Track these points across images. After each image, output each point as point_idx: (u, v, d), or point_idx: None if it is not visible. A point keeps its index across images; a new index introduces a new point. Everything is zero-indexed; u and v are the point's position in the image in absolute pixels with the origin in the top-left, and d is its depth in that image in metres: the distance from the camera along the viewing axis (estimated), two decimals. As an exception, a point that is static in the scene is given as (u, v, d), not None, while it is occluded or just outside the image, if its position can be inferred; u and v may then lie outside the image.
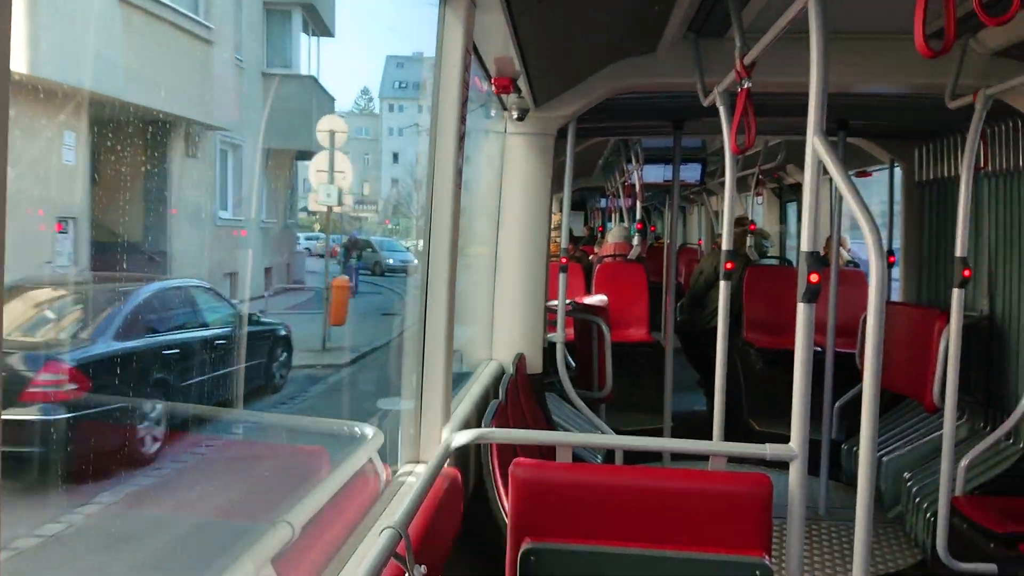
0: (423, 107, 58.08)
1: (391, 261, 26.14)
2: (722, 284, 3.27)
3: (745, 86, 2.57)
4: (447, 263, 2.26)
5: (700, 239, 12.25)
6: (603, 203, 12.81)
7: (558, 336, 4.01)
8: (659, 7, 2.92)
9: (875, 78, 3.37)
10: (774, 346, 5.07)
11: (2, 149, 0.57)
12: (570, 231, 12.42)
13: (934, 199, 4.76)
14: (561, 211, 5.09)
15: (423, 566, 1.58)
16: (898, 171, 5.18)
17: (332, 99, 18.04)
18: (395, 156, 55.73)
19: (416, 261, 23.46)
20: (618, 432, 4.21)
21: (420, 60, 58.04)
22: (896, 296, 5.20)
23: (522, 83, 3.20)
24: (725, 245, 3.38)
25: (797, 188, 7.61)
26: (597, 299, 5.25)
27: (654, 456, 4.18)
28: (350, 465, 1.97)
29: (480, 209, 4.05)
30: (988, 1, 1.60)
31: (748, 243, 6.43)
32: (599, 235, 10.40)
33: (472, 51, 2.41)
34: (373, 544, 1.50)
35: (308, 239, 31.79)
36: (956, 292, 3.33)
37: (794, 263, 6.94)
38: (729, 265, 3.30)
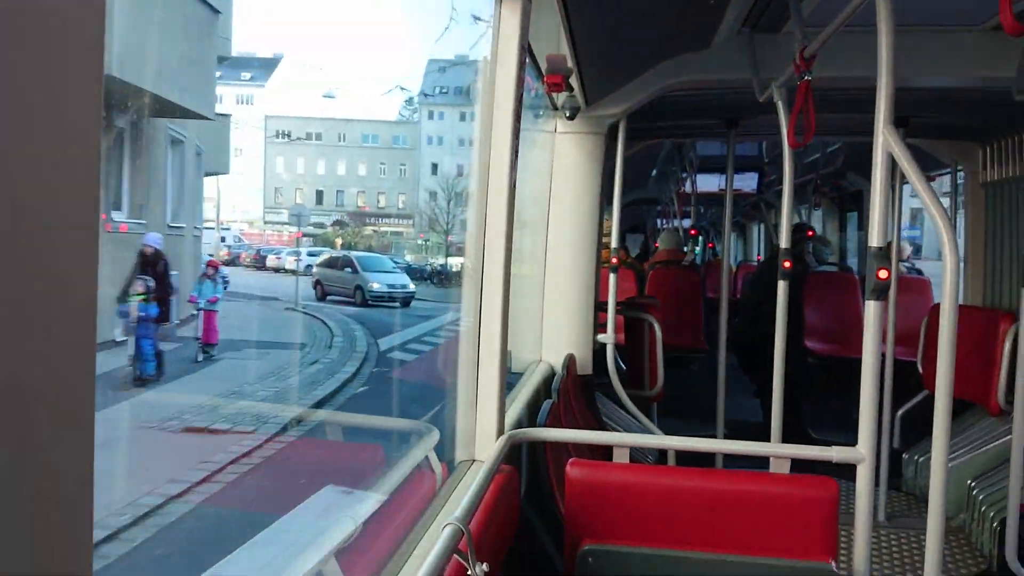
0: (466, 114, 58.58)
1: (376, 287, 21.58)
2: (780, 284, 3.33)
3: (806, 79, 2.64)
4: (502, 266, 2.34)
5: (759, 255, 12.26)
6: (660, 223, 12.94)
7: (608, 337, 4.12)
8: (714, 1, 3.00)
9: (938, 71, 3.40)
10: (834, 353, 5.10)
11: (95, 146, 0.63)
12: (627, 250, 12.64)
13: (998, 201, 4.77)
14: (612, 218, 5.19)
15: (484, 563, 1.61)
16: (961, 173, 5.18)
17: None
18: (434, 167, 56.06)
19: (412, 287, 22.12)
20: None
21: (465, 63, 58.73)
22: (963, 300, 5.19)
23: (574, 81, 3.28)
24: (784, 244, 3.45)
25: (857, 196, 7.61)
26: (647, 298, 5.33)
27: (706, 461, 4.24)
28: (408, 462, 2.06)
29: (527, 223, 4.17)
30: None
31: (807, 249, 6.44)
32: (654, 250, 10.50)
33: (527, 49, 2.50)
34: (434, 540, 1.55)
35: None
36: (1023, 292, 3.34)
37: (854, 270, 6.94)
38: (787, 264, 3.36)
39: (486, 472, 1.97)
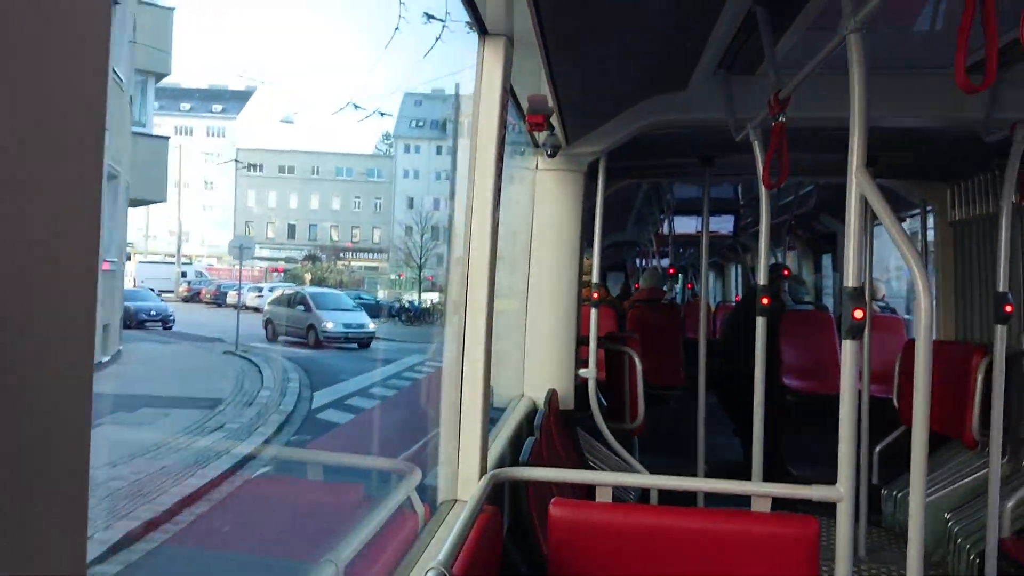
0: (442, 148, 58.99)
1: (330, 326, 20.02)
2: (758, 320, 3.43)
3: (780, 120, 2.75)
4: (484, 304, 2.39)
5: (737, 295, 12.53)
6: (639, 263, 13.26)
7: (590, 371, 4.20)
8: (691, 44, 3.15)
9: (907, 113, 3.53)
10: (811, 390, 5.22)
11: (99, 152, 0.65)
12: (605, 286, 12.94)
13: (967, 238, 4.96)
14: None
15: None
16: (930, 213, 5.39)
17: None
18: (410, 201, 56.19)
19: (371, 326, 21.26)
20: (653, 473, 4.32)
21: (439, 99, 59.13)
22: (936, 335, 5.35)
23: (554, 120, 3.42)
24: (760, 280, 3.55)
25: (831, 238, 7.86)
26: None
27: (688, 498, 4.28)
28: (390, 503, 2.07)
29: (508, 258, 4.25)
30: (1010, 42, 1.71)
31: (783, 288, 6.62)
32: (635, 290, 10.78)
33: (510, 91, 2.62)
34: None
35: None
36: (998, 328, 3.47)
37: (829, 309, 7.13)
38: (765, 300, 3.46)
39: (469, 513, 1.98)
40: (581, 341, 4.35)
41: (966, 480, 4.40)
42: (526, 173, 4.15)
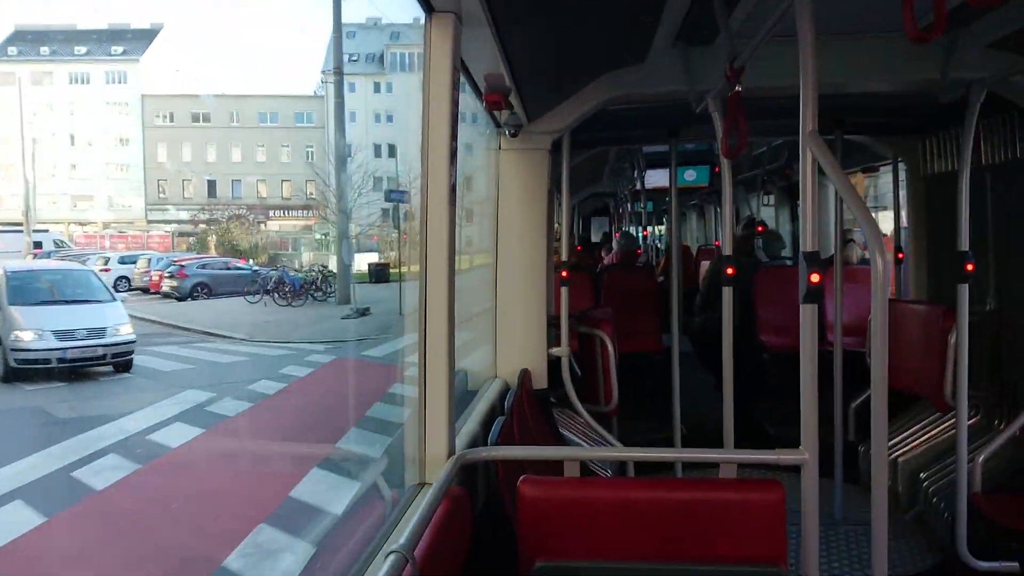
0: (382, 84, 57.94)
1: (27, 338, 12.57)
2: (724, 290, 3.91)
3: (736, 90, 3.08)
4: (444, 281, 2.59)
5: (717, 240, 13.18)
6: (619, 208, 14.01)
7: (562, 350, 4.67)
8: (646, 18, 3.47)
9: (866, 76, 3.95)
10: (788, 347, 5.77)
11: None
12: (586, 239, 13.86)
13: (939, 193, 5.48)
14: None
15: None
16: (903, 165, 5.92)
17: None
18: (348, 148, 55.37)
19: (128, 329, 14.73)
20: (630, 444, 4.85)
21: (376, 28, 57.71)
22: (910, 294, 5.92)
23: (514, 99, 3.75)
24: (725, 250, 4.04)
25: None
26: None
27: (668, 467, 4.78)
28: (355, 490, 2.45)
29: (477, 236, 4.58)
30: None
31: (757, 244, 7.19)
32: (615, 239, 11.52)
33: (461, 68, 2.79)
34: (378, 570, 1.74)
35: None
36: (960, 288, 3.96)
37: None
38: (729, 270, 3.94)
39: (433, 496, 2.17)
40: (553, 320, 4.80)
41: (940, 439, 4.96)
42: (492, 153, 4.54)
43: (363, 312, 24.59)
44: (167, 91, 55.21)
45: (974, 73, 3.77)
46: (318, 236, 49.80)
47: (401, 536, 1.88)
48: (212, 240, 48.93)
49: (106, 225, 54.56)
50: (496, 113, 4.08)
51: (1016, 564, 3.82)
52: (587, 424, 4.73)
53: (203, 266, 33.11)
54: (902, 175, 5.96)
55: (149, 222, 55.97)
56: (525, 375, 4.35)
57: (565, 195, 5.01)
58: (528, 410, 4.05)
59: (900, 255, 5.93)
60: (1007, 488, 4.26)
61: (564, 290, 4.76)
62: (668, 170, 5.79)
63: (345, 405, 13.54)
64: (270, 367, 16.59)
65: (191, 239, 51.04)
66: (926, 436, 5.10)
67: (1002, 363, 4.72)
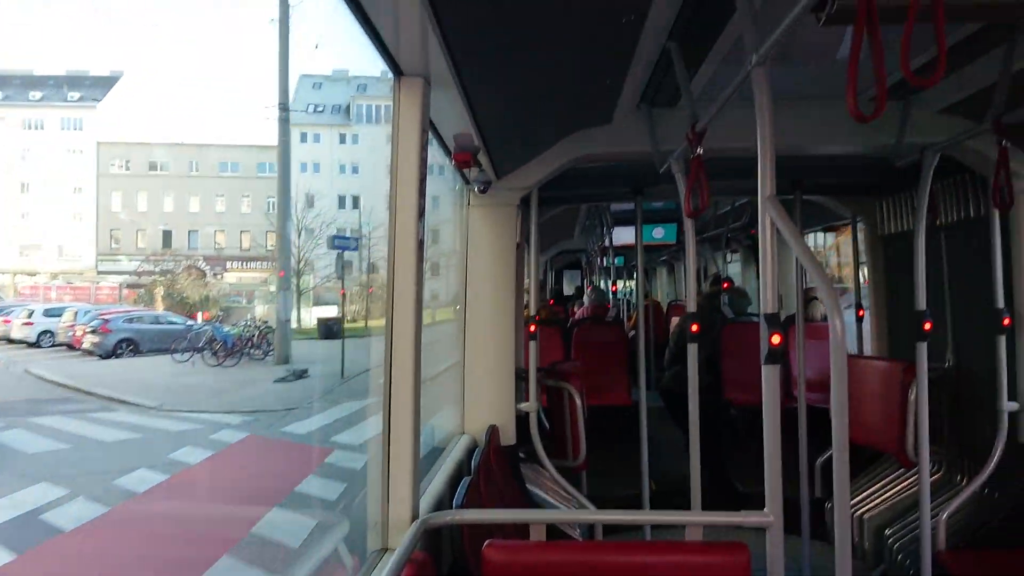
0: (347, 136, 58.34)
1: None
2: (689, 347, 4.07)
3: (697, 152, 3.22)
4: (411, 340, 2.65)
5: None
6: (589, 262, 14.55)
7: (531, 406, 4.80)
8: (611, 80, 3.66)
9: (823, 140, 4.18)
10: (754, 403, 5.94)
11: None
12: (559, 292, 14.47)
13: (897, 252, 5.76)
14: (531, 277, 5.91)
15: None
16: (861, 225, 6.22)
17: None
18: (309, 199, 55.29)
19: None
20: (599, 500, 4.95)
21: (343, 80, 58.31)
22: (871, 350, 6.16)
23: (482, 157, 3.92)
24: (689, 307, 4.22)
25: None
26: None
27: (637, 525, 4.87)
28: (313, 556, 2.50)
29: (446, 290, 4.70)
30: (917, 68, 1.97)
31: (722, 301, 7.42)
32: (587, 293, 12.02)
33: (430, 128, 2.91)
34: None
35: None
36: (919, 345, 4.16)
37: None
38: (694, 327, 4.10)
39: (395, 563, 2.20)
40: (521, 375, 4.93)
41: (904, 495, 5.13)
42: (460, 210, 4.71)
43: (300, 374, 22.72)
44: (124, 138, 55.14)
45: (928, 138, 4.00)
46: (272, 289, 48.67)
47: None
48: (159, 292, 48.27)
49: (54, 276, 53.77)
50: (465, 170, 4.24)
51: None
52: (555, 480, 4.82)
53: (130, 320, 31.02)
54: (861, 234, 6.25)
55: (99, 272, 55.28)
56: (493, 431, 4.46)
57: (534, 250, 5.18)
58: (496, 468, 4.14)
59: (860, 312, 6.19)
60: (971, 545, 4.36)
61: (533, 345, 4.92)
62: (634, 228, 6.01)
63: (229, 515, 10.68)
64: (161, 449, 14.41)
65: (140, 291, 50.34)
66: (890, 492, 5.26)
67: (962, 419, 4.91)
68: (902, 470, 5.24)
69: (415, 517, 2.65)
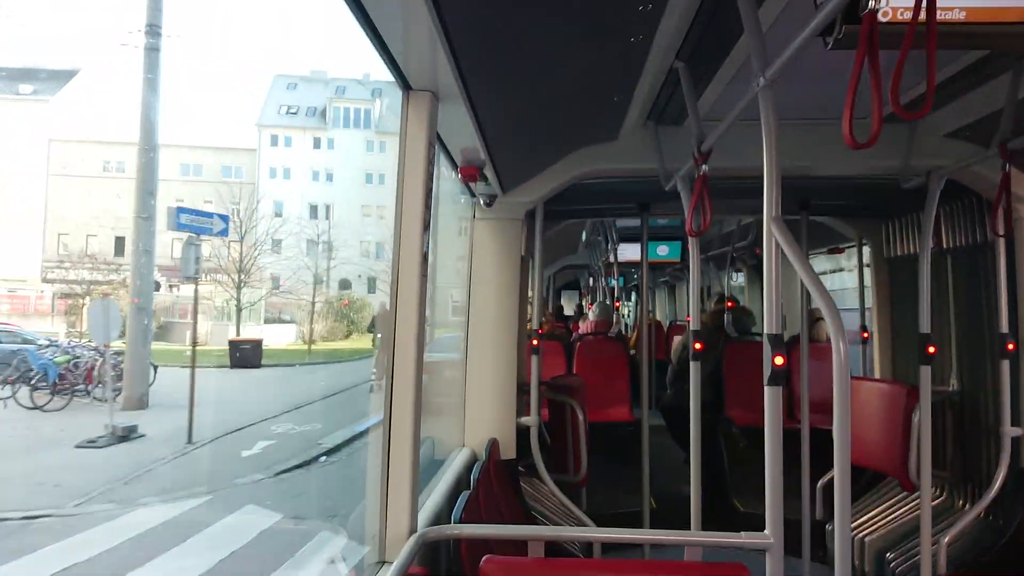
0: (322, 141, 58.49)
1: None
2: (692, 365, 4.43)
3: (702, 171, 3.48)
4: (413, 352, 2.82)
5: (688, 315, 14.06)
6: (590, 282, 15.17)
7: (532, 420, 5.15)
8: (618, 98, 3.97)
9: (830, 161, 4.49)
10: (755, 423, 6.30)
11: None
12: (560, 309, 15.16)
13: (902, 275, 6.14)
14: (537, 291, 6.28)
15: None
16: (867, 247, 6.62)
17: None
18: (278, 207, 55.10)
19: None
20: (598, 516, 5.29)
21: (320, 81, 58.54)
22: (875, 372, 6.54)
23: (488, 171, 4.22)
24: (693, 325, 4.58)
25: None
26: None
27: (636, 544, 5.19)
28: (310, 569, 2.75)
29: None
30: (907, 103, 2.31)
31: (726, 320, 7.86)
32: (587, 311, 12.56)
33: (437, 142, 3.16)
34: None
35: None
36: (923, 369, 4.48)
37: None
38: (698, 345, 4.46)
39: None
40: (523, 388, 5.27)
41: (906, 519, 5.48)
42: (467, 223, 5.06)
43: (124, 436, 16.44)
44: (78, 136, 55.06)
45: (934, 161, 4.30)
46: (218, 303, 47.36)
47: None
48: (84, 305, 47.31)
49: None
50: (471, 184, 4.56)
51: None
52: (555, 495, 5.15)
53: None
54: (866, 256, 6.64)
55: (45, 280, 54.92)
56: (493, 445, 4.79)
57: (538, 263, 5.54)
58: (495, 482, 4.43)
59: (865, 334, 6.58)
60: (972, 568, 4.67)
61: (535, 359, 5.27)
62: (640, 244, 6.36)
63: None
64: None
65: (70, 301, 49.46)
66: (892, 515, 5.61)
67: (965, 443, 5.25)
68: (904, 493, 5.57)
69: (413, 531, 2.82)
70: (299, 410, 20.71)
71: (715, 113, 3.56)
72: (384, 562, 2.75)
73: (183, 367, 27.02)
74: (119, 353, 20.70)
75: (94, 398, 20.49)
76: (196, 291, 18.29)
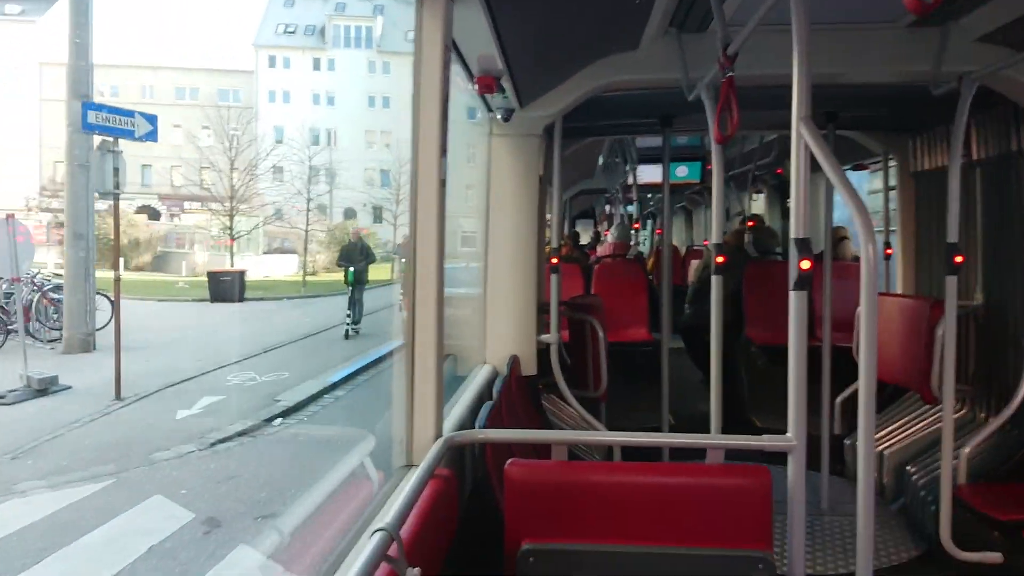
0: (322, 61, 57.74)
1: None
2: (713, 279, 4.52)
3: (728, 75, 3.43)
4: (434, 266, 2.90)
5: (705, 240, 14.15)
6: (608, 209, 15.14)
7: (552, 337, 5.28)
8: (640, 2, 3.94)
9: (859, 67, 4.47)
10: (774, 342, 6.41)
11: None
12: (576, 236, 15.36)
13: (928, 190, 6.19)
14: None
15: (416, 568, 2.04)
16: (892, 162, 6.64)
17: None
18: (279, 132, 54.59)
19: None
20: (619, 430, 5.48)
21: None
22: (897, 289, 6.64)
23: (506, 82, 4.25)
24: (715, 239, 4.65)
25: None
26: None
27: (653, 455, 5.38)
28: (341, 470, 2.87)
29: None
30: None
31: (746, 239, 7.94)
32: (603, 238, 12.68)
33: (452, 49, 3.06)
34: (364, 547, 1.97)
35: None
36: (949, 279, 4.51)
37: None
38: (720, 259, 4.54)
39: (420, 477, 2.46)
40: (543, 307, 5.38)
41: (927, 431, 5.63)
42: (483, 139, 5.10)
43: (41, 390, 14.01)
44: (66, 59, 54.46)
45: (965, 66, 4.25)
46: (214, 233, 46.58)
47: (388, 515, 2.15)
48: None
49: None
50: (488, 97, 4.59)
51: (999, 555, 4.33)
52: (575, 411, 5.31)
53: None
54: (892, 173, 6.67)
55: (41, 210, 54.96)
56: (514, 361, 4.92)
57: (556, 182, 5.58)
58: (517, 396, 4.57)
59: (889, 251, 6.66)
60: (992, 479, 4.83)
61: (555, 278, 5.36)
62: (660, 165, 6.35)
63: None
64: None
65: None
66: (913, 429, 5.77)
67: (989, 357, 5.35)
68: (925, 407, 5.72)
69: (438, 436, 2.93)
70: (267, 354, 18.37)
71: (739, 17, 3.53)
72: (412, 465, 2.85)
73: (160, 300, 27.13)
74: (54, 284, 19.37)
75: (36, 339, 18.41)
76: (116, 210, 15.12)
